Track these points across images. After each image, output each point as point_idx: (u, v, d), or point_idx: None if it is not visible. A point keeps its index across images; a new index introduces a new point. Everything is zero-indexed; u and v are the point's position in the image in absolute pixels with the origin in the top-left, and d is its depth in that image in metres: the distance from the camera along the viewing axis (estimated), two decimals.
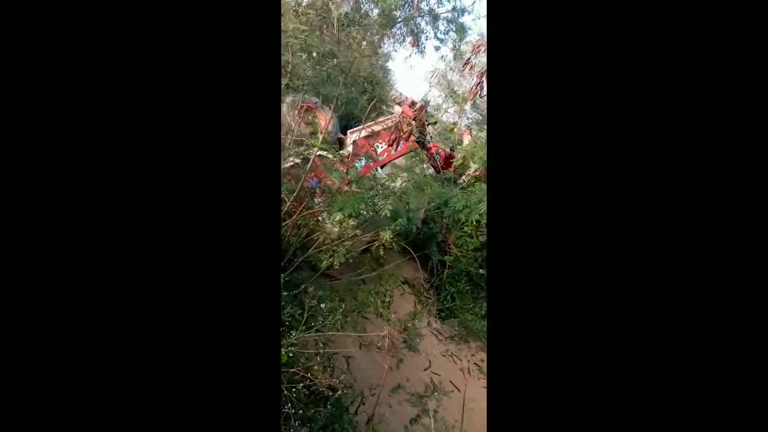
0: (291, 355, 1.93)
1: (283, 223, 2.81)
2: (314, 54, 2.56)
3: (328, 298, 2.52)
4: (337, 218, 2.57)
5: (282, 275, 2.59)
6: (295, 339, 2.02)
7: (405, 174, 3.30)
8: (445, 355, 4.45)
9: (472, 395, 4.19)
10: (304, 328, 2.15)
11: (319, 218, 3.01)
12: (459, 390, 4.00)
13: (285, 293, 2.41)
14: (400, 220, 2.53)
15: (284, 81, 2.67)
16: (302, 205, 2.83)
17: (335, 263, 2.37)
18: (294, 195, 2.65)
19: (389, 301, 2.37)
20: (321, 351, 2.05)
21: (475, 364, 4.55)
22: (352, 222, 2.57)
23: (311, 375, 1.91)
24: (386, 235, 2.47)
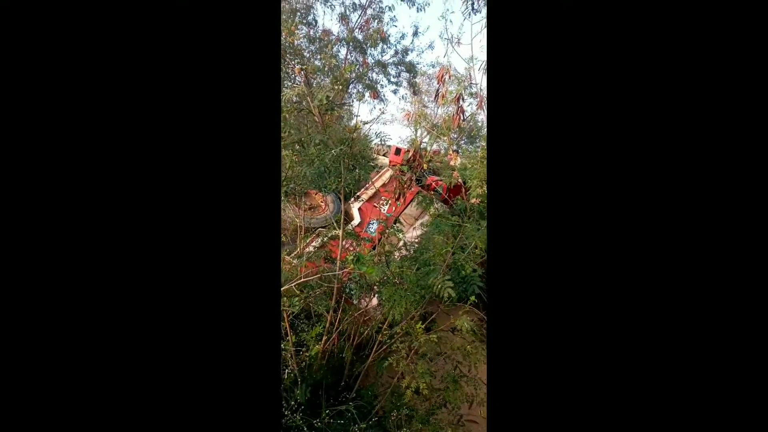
0: None
1: (330, 337, 2.43)
2: (300, 147, 2.33)
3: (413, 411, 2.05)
4: (395, 316, 2.17)
5: (349, 402, 2.15)
6: None
7: (429, 229, 2.99)
8: None
9: None
10: None
11: (366, 318, 2.63)
12: None
13: (363, 425, 1.95)
14: (473, 298, 2.15)
15: (282, 188, 2.42)
16: (341, 312, 2.47)
17: (423, 388, 1.89)
18: (333, 309, 2.29)
19: None
20: None
21: None
22: (419, 326, 2.14)
23: None
24: (464, 324, 2.04)
